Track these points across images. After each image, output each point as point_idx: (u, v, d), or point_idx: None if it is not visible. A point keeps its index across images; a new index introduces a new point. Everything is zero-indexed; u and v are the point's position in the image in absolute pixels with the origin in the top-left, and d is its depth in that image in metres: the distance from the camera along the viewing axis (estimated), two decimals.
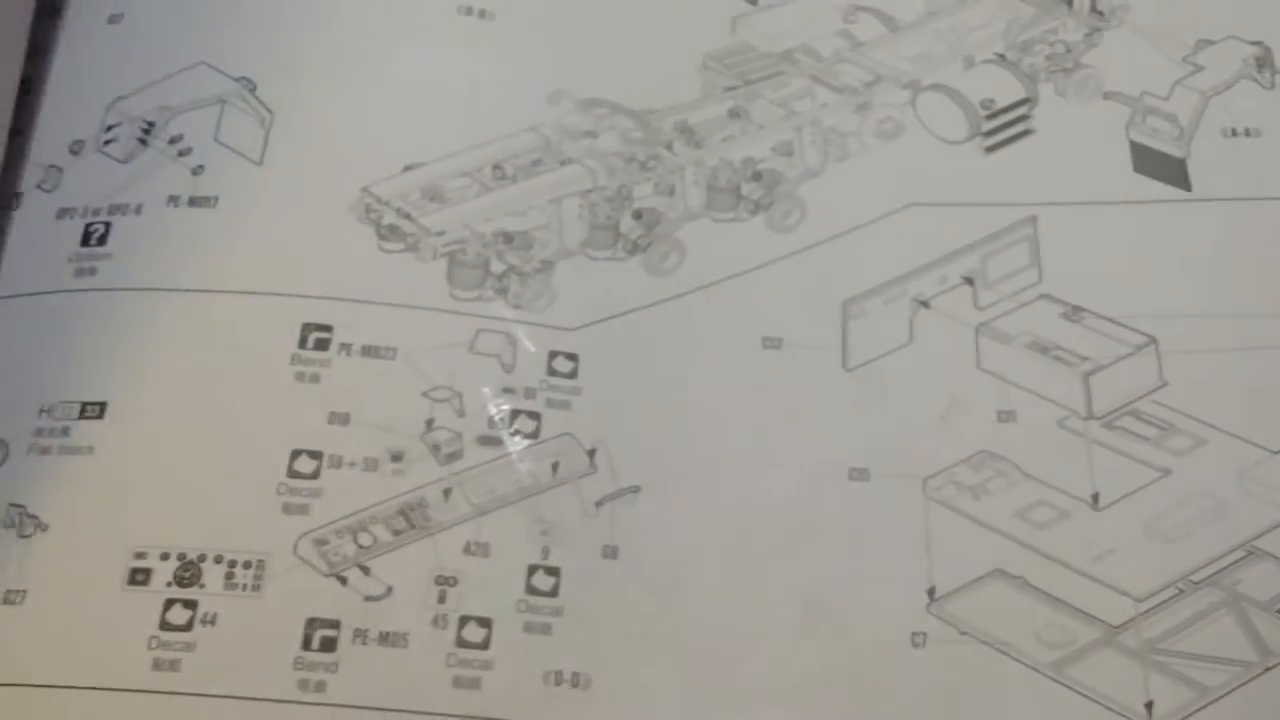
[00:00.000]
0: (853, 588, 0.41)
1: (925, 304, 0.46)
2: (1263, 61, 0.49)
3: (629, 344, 0.44)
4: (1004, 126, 0.49)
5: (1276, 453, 0.42)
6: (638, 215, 0.47)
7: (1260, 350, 0.43)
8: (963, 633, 0.40)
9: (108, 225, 0.45)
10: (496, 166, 0.47)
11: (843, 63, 0.51)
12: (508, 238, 0.46)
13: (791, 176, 0.48)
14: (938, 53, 0.51)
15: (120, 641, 0.38)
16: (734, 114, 0.49)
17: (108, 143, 0.46)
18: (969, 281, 0.46)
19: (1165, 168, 0.47)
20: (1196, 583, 0.41)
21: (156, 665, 0.38)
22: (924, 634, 0.40)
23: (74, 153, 0.46)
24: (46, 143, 0.47)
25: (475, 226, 0.46)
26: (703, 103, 0.50)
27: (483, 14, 0.50)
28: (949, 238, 0.47)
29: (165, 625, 0.38)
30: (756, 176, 0.48)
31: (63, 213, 0.45)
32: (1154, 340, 0.44)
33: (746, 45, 0.51)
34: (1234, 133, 0.48)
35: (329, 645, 0.39)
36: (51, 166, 0.46)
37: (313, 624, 0.39)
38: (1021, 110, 0.49)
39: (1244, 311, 0.44)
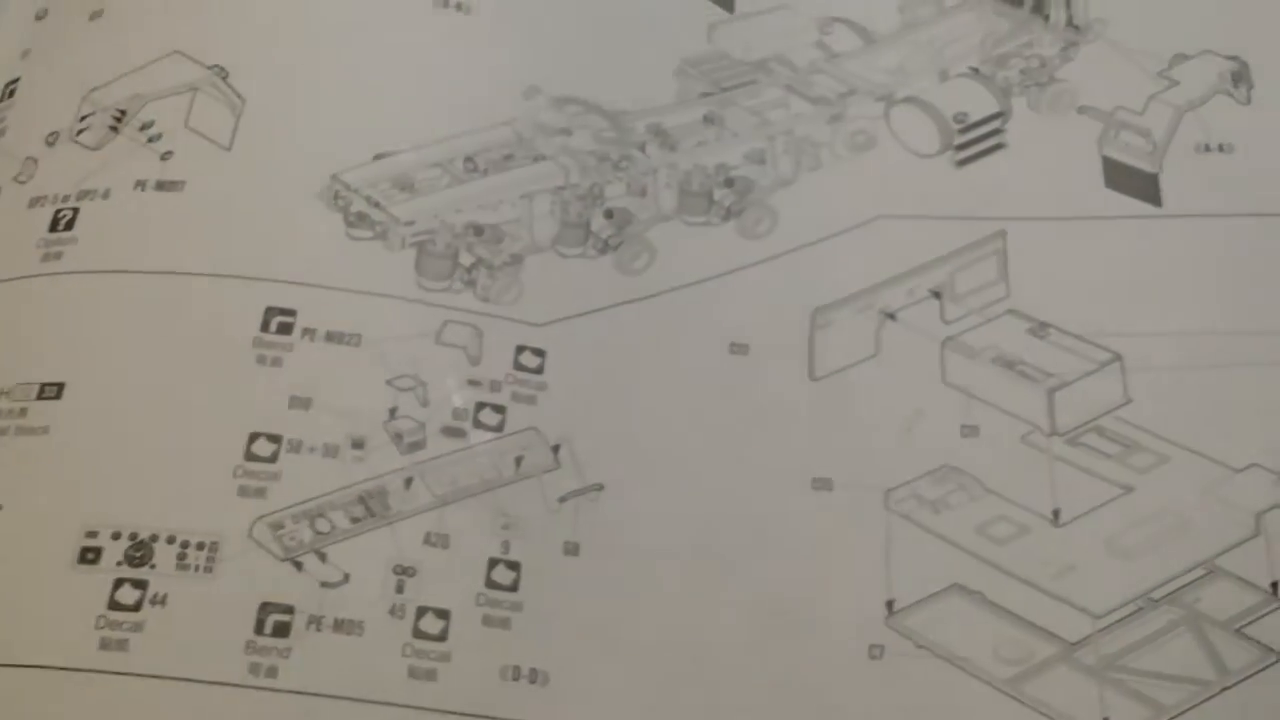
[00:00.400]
0: (812, 597, 0.41)
1: (892, 316, 0.45)
2: (1239, 76, 0.49)
3: (596, 342, 0.44)
4: (976, 140, 0.49)
5: (1239, 471, 0.42)
6: (609, 214, 0.46)
7: (1226, 368, 0.44)
8: (920, 646, 0.40)
9: (75, 211, 0.44)
10: (468, 159, 0.46)
11: (817, 73, 0.51)
12: (478, 230, 0.45)
13: (763, 184, 0.48)
14: (912, 66, 0.51)
15: (67, 620, 0.37)
16: (708, 120, 0.49)
17: (80, 132, 0.46)
18: (936, 295, 0.46)
19: (1137, 183, 0.47)
20: (1156, 600, 0.40)
21: (104, 645, 0.37)
22: (881, 646, 0.40)
23: (49, 144, 0.46)
24: (23, 136, 0.46)
25: (445, 217, 0.45)
26: (677, 107, 0.49)
27: (460, 7, 0.49)
28: (918, 251, 0.47)
29: (114, 605, 0.38)
30: (729, 183, 0.48)
31: (34, 201, 0.44)
32: (1119, 357, 0.44)
33: (722, 53, 0.51)
34: (1207, 148, 0.48)
35: (282, 630, 0.38)
36: (28, 159, 0.45)
37: (266, 609, 0.38)
38: (994, 124, 0.49)
39: (1211, 328, 0.44)
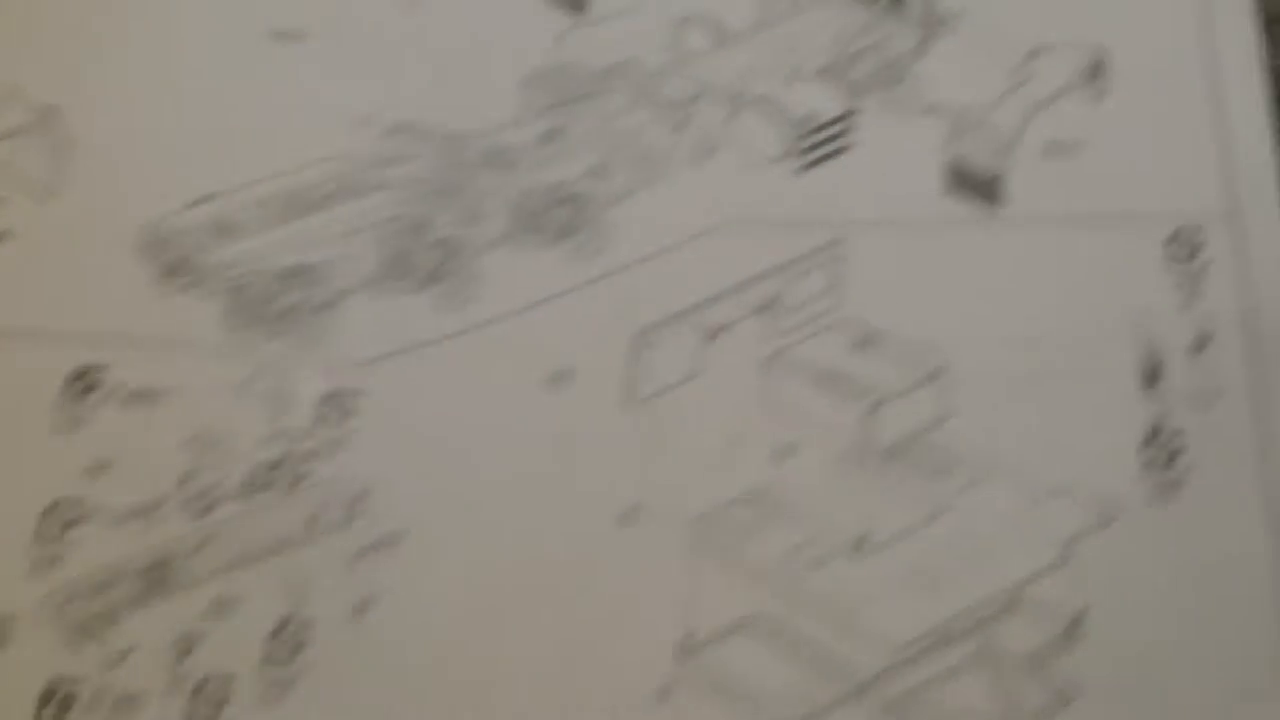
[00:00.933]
0: (605, 638, 0.40)
1: (719, 333, 0.44)
2: (1096, 70, 0.47)
3: (412, 383, 0.44)
4: (821, 144, 0.48)
5: (1053, 494, 0.40)
6: (436, 245, 0.46)
7: (1052, 381, 0.42)
8: (709, 685, 0.39)
9: None
10: (291, 197, 0.46)
11: (667, 76, 0.49)
12: (295, 272, 0.45)
13: (601, 200, 0.47)
14: (763, 65, 0.49)
15: None
16: (548, 135, 0.48)
17: None
18: (766, 309, 0.45)
19: (980, 185, 0.46)
20: (955, 632, 0.39)
21: None
22: (669, 687, 0.39)
23: None
24: None
25: (262, 261, 0.45)
26: (517, 124, 0.48)
27: (294, 37, 0.49)
28: (753, 262, 0.45)
29: None
30: (565, 201, 0.47)
31: None
32: (943, 370, 0.42)
33: (569, 62, 0.50)
34: (1056, 148, 0.46)
35: (65, 706, 0.39)
36: None
37: (52, 685, 0.39)
38: (841, 125, 0.48)
39: (1040, 339, 0.43)
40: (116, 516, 0.41)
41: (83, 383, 0.43)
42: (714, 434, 0.43)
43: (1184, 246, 0.43)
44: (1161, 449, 0.41)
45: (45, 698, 0.38)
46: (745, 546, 0.41)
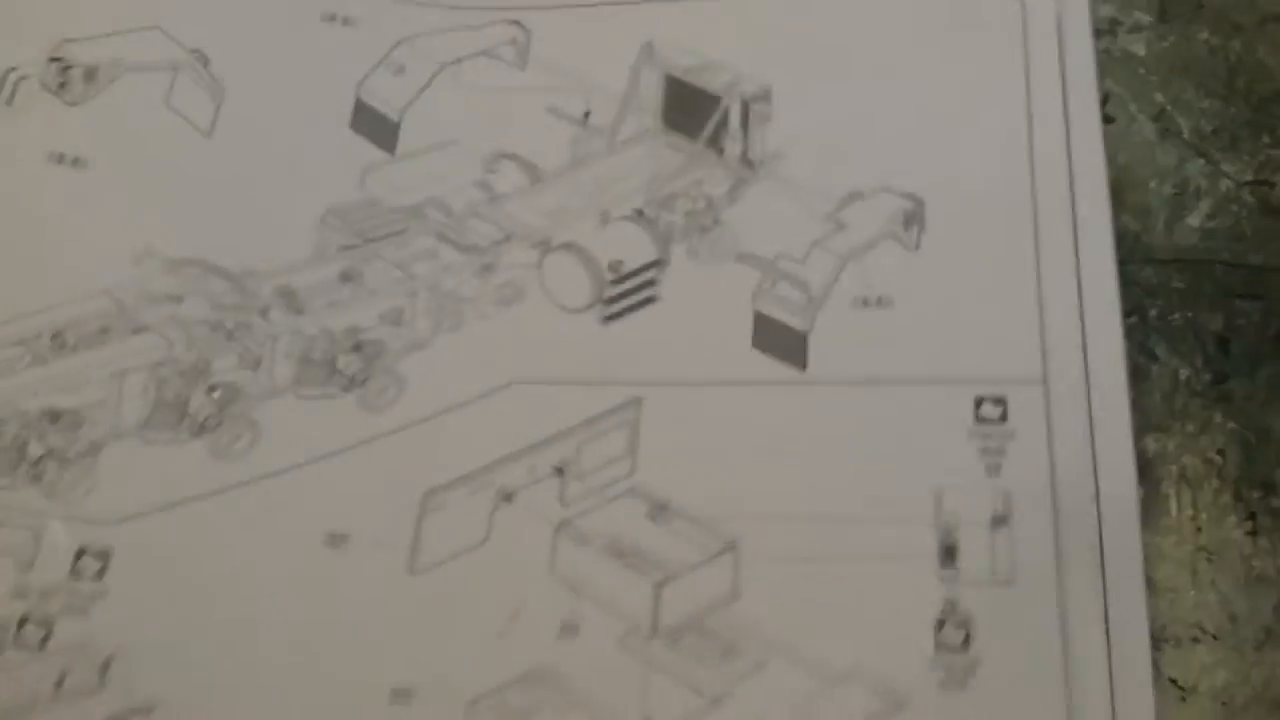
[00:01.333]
0: None
1: (509, 498, 0.42)
2: (911, 217, 0.45)
3: (174, 540, 0.41)
4: (628, 293, 0.46)
5: (839, 681, 0.38)
6: (212, 390, 0.43)
7: (843, 557, 0.40)
8: None
9: None
10: (56, 335, 0.43)
11: (475, 218, 0.47)
12: (54, 416, 0.42)
13: (395, 348, 0.45)
14: (575, 206, 0.47)
15: None
16: (345, 276, 0.46)
17: None
18: (559, 472, 0.42)
19: (785, 343, 0.44)
20: None
21: None
22: None
23: None
24: None
25: (18, 404, 0.42)
26: (312, 263, 0.46)
27: (76, 162, 0.46)
28: (549, 421, 0.43)
29: None
30: (357, 348, 0.44)
31: None
32: (734, 545, 0.40)
33: (373, 199, 0.48)
34: (865, 302, 0.44)
35: None
36: None
37: None
38: (649, 274, 0.46)
39: (834, 514, 0.41)
40: None
41: None
42: (497, 608, 0.40)
43: (989, 415, 0.42)
44: (956, 631, 0.39)
45: None
46: None
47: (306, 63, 0.49)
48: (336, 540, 0.41)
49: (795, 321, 0.44)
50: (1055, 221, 0.44)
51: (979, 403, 0.42)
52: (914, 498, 0.41)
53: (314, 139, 0.48)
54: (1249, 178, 0.46)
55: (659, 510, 0.41)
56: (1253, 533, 0.41)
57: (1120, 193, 0.46)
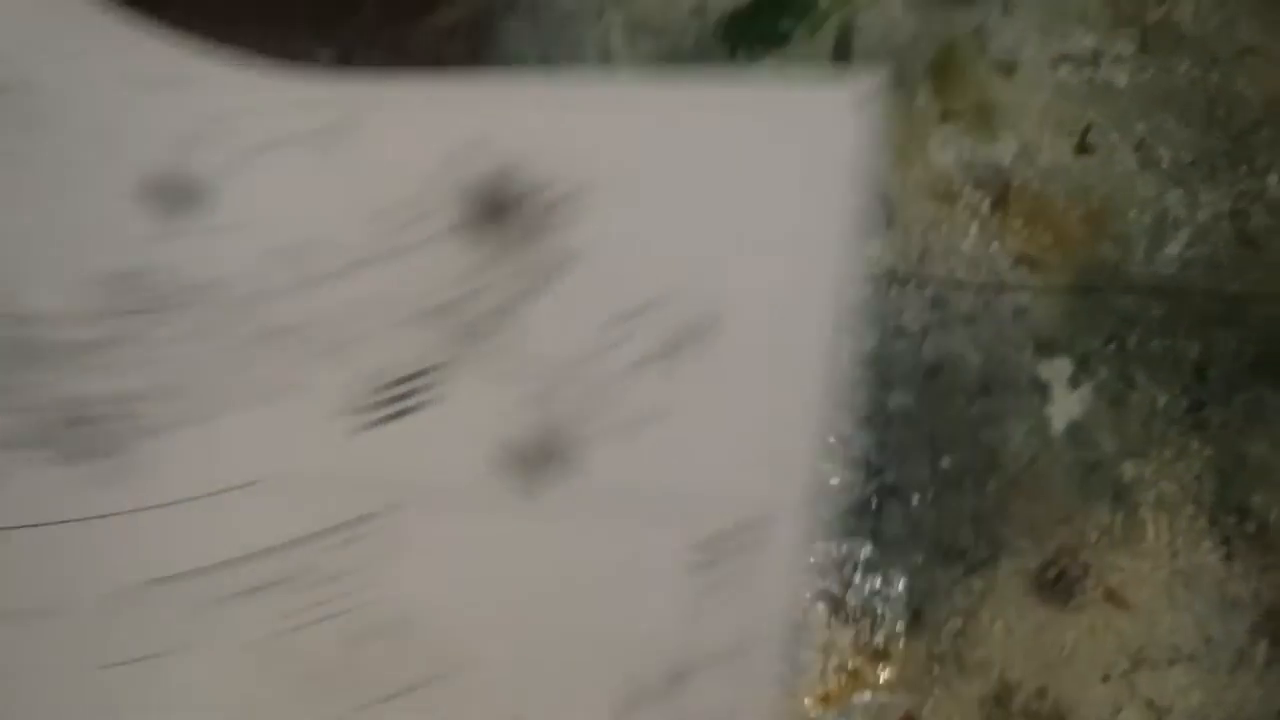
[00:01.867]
0: None
1: (221, 603, 0.40)
2: (674, 345, 0.44)
3: None
4: (395, 399, 0.44)
5: None
6: None
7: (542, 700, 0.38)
8: None
9: None
10: None
11: (249, 306, 0.45)
12: None
13: (138, 427, 0.42)
14: (354, 308, 0.46)
15: None
16: (103, 343, 0.44)
17: None
18: (283, 582, 0.40)
19: (537, 461, 0.42)
20: None
21: None
22: None
23: None
24: None
25: None
26: (73, 322, 0.44)
27: None
28: (284, 526, 0.41)
29: None
30: (96, 419, 0.42)
31: None
32: (439, 678, 0.38)
33: (154, 269, 0.46)
34: (621, 424, 0.42)
35: None
36: None
37: None
38: (420, 381, 0.44)
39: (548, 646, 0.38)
40: None
41: None
42: None
43: (709, 554, 0.40)
44: None
45: None
46: None
47: (118, 117, 0.47)
48: (21, 616, 0.39)
49: (551, 439, 0.42)
50: (812, 355, 0.43)
51: (705, 540, 0.40)
52: (616, 639, 0.39)
53: (111, 193, 0.46)
54: (1227, 207, 0.46)
55: (370, 632, 0.39)
56: (1228, 557, 0.43)
57: (1101, 222, 0.46)
